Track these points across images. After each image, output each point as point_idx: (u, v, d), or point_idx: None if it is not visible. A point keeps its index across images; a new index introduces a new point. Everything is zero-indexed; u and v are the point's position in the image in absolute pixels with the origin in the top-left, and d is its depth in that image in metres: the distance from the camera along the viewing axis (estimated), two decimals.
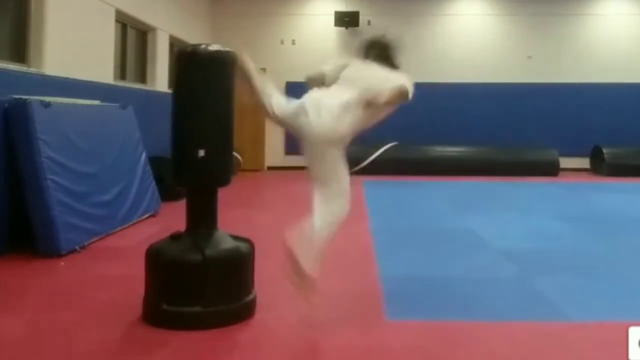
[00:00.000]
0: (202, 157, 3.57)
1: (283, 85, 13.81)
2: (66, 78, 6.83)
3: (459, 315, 3.89)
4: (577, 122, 13.40)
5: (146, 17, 9.65)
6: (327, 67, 3.88)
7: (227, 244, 3.67)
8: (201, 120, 3.63)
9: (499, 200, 9.35)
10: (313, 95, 3.65)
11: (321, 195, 3.56)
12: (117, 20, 8.63)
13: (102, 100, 6.94)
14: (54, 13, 6.71)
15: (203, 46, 3.69)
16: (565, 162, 12.91)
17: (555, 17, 13.67)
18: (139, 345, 3.33)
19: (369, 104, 3.52)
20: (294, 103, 3.64)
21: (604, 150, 12.72)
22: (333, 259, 5.27)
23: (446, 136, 13.25)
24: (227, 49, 3.74)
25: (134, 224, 6.63)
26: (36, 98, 5.40)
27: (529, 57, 13.65)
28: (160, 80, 10.30)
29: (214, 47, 3.69)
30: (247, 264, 3.75)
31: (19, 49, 6.52)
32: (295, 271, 3.44)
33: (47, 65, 6.60)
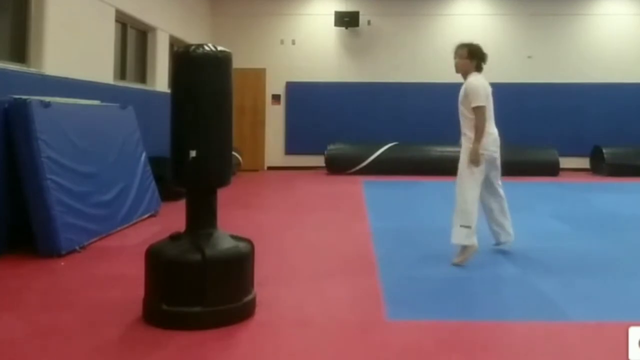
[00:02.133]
0: (194, 157, 3.57)
1: (283, 85, 13.87)
2: (66, 78, 6.83)
3: (459, 315, 3.89)
4: (577, 122, 13.39)
5: (146, 17, 9.65)
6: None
7: (227, 244, 3.67)
8: (198, 120, 3.62)
9: None
10: None
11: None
12: (117, 20, 8.63)
13: (102, 100, 6.94)
14: (54, 13, 6.71)
15: (200, 46, 3.68)
16: (565, 162, 12.90)
17: (555, 17, 13.66)
18: (139, 345, 3.33)
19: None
20: None
21: (604, 150, 12.71)
22: (333, 259, 5.29)
23: (446, 136, 13.19)
24: (224, 49, 3.74)
25: (134, 224, 6.63)
26: (36, 98, 5.40)
27: (529, 57, 13.65)
28: (160, 80, 10.30)
29: (210, 47, 3.68)
30: (246, 264, 3.75)
31: (19, 49, 6.52)
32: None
33: (47, 65, 6.60)
